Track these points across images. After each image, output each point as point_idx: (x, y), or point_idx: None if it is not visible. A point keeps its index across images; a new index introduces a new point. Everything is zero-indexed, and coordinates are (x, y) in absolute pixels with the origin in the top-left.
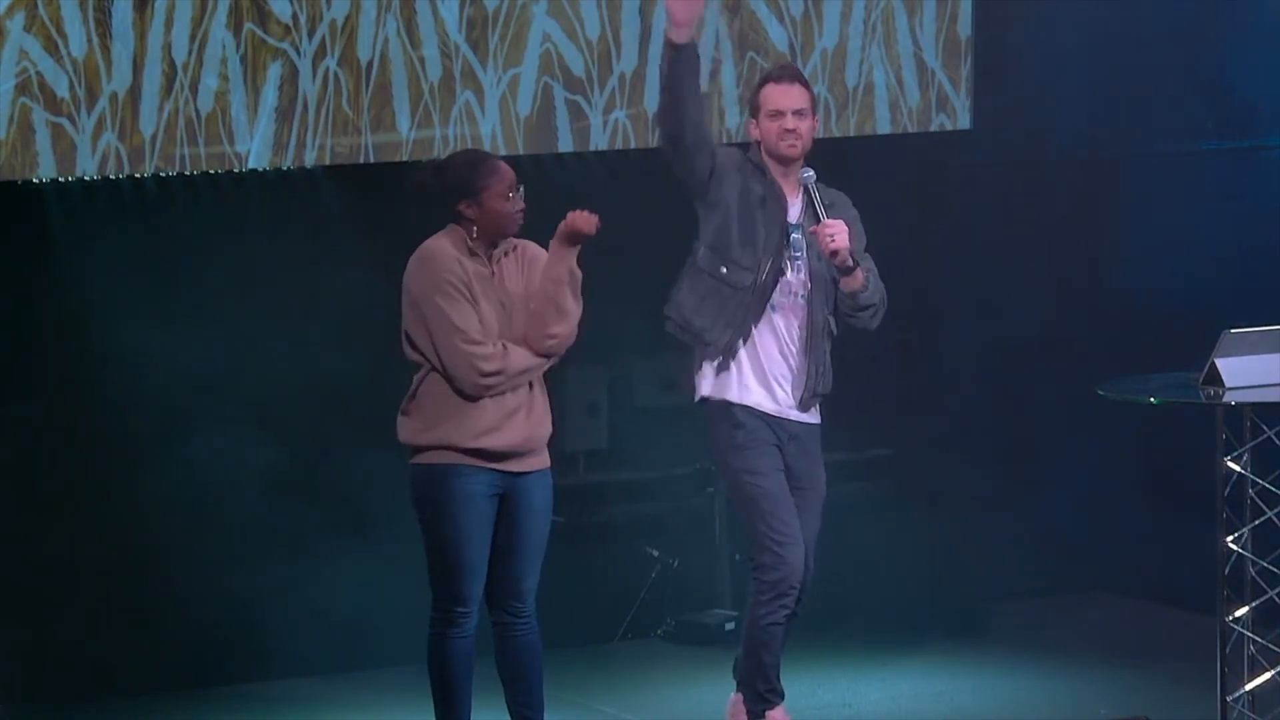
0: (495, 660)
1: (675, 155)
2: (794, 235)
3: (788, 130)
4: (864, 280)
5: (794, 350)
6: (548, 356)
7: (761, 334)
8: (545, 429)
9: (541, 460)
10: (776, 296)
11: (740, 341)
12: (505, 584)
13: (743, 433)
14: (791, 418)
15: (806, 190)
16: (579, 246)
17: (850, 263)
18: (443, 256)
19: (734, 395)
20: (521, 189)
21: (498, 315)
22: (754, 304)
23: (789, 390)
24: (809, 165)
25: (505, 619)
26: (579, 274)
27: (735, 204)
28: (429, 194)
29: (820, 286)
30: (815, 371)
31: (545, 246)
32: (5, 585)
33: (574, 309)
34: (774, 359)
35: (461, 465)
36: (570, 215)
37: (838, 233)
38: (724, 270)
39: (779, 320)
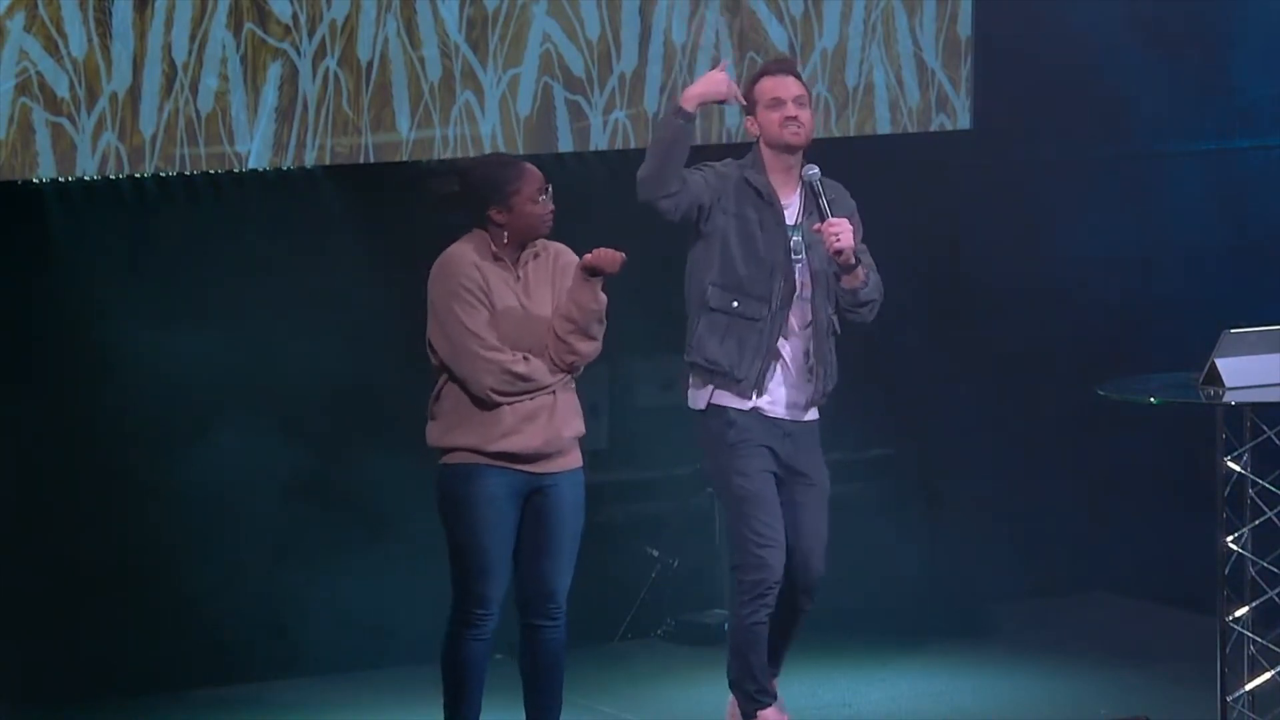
0: (519, 660)
1: (656, 212)
2: (794, 238)
3: (790, 117)
4: (864, 277)
5: (799, 351)
6: (567, 371)
7: None
8: (571, 430)
9: (570, 460)
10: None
11: (772, 366)
12: (536, 587)
13: (734, 431)
14: (790, 418)
15: (811, 187)
16: (602, 277)
17: (853, 260)
18: (462, 263)
19: (735, 403)
20: (550, 189)
21: (518, 319)
22: (774, 331)
23: (795, 391)
24: (810, 162)
25: (537, 622)
26: (604, 300)
27: (733, 234)
28: (452, 202)
29: (822, 285)
30: (823, 371)
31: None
32: (5, 585)
33: (600, 333)
34: (780, 361)
35: (484, 466)
36: (597, 251)
37: (842, 232)
38: (736, 304)
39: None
